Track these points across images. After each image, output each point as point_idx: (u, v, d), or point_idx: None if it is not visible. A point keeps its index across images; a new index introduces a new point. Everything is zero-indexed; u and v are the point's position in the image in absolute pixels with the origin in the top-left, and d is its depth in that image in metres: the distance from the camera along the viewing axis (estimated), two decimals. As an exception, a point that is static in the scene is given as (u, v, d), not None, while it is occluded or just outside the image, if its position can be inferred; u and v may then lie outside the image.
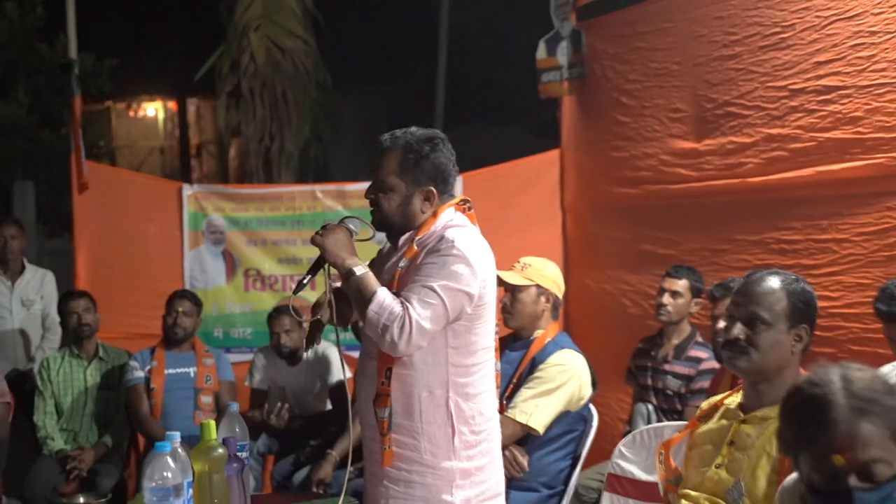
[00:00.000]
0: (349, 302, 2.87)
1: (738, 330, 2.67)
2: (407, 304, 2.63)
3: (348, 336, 6.48)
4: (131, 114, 19.47)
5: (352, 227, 2.86)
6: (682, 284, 4.87)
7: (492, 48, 14.59)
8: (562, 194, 6.57)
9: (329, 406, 5.73)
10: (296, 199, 6.91)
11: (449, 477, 2.78)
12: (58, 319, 5.99)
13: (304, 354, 5.71)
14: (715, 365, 4.66)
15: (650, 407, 4.81)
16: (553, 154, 6.66)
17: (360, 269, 2.72)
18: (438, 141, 2.84)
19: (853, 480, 1.85)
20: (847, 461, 1.85)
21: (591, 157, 6.24)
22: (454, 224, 2.83)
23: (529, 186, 6.68)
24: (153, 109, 19.68)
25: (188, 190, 6.85)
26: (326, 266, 2.80)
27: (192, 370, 5.49)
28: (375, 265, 2.93)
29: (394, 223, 2.85)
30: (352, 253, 2.77)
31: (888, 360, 3.85)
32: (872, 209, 4.28)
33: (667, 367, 4.84)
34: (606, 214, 6.13)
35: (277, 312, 5.71)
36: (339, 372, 5.80)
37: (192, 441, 5.37)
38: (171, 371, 5.45)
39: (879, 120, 4.20)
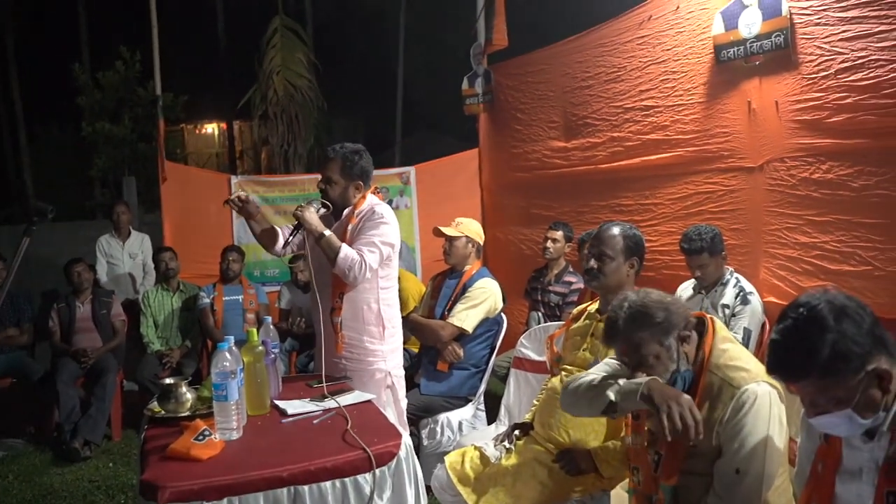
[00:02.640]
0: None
1: (593, 262, 2.69)
2: (361, 253, 2.79)
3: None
4: (197, 132, 19.07)
5: (317, 204, 2.92)
6: (559, 234, 4.85)
7: (432, 82, 14.49)
8: (480, 177, 6.47)
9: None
10: (305, 183, 6.76)
11: (382, 355, 2.97)
12: (153, 266, 5.90)
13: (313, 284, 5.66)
14: (581, 286, 4.67)
15: (540, 314, 4.79)
16: (474, 151, 6.55)
17: (328, 232, 2.82)
18: (363, 152, 2.96)
19: (638, 373, 1.90)
20: (628, 358, 1.91)
21: (499, 153, 6.18)
22: (377, 202, 2.99)
23: (459, 173, 6.58)
24: (211, 128, 19.26)
25: (234, 179, 6.70)
26: (303, 230, 2.88)
27: (240, 297, 5.43)
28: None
29: (336, 203, 2.94)
30: (319, 222, 2.84)
31: (686, 279, 3.91)
32: (676, 183, 4.26)
33: (550, 287, 4.82)
34: (509, 190, 6.07)
35: (295, 259, 5.65)
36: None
37: (242, 343, 5.34)
38: (227, 298, 5.39)
39: (679, 127, 4.18)
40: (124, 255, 6.03)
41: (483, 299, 3.77)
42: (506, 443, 2.68)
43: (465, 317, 3.71)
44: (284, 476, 2.00)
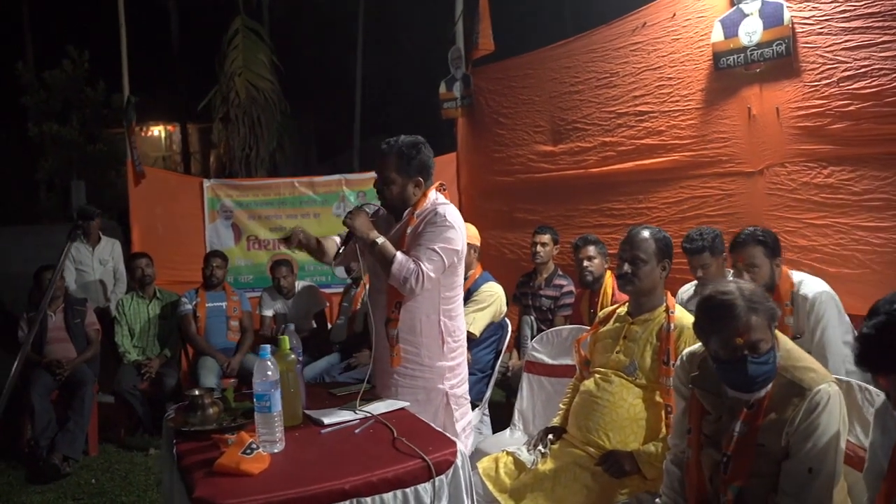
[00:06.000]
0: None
1: (627, 267, 2.68)
2: (418, 261, 2.52)
3: (327, 278, 6.38)
4: (143, 134, 18.51)
5: (368, 210, 2.72)
6: (546, 238, 4.82)
7: (388, 87, 14.48)
8: (458, 181, 6.47)
9: (314, 325, 5.60)
10: (280, 187, 6.66)
11: (441, 372, 2.69)
12: (125, 273, 5.70)
13: (296, 290, 5.55)
14: (572, 289, 4.68)
15: (532, 318, 4.77)
16: (451, 155, 6.52)
17: (381, 240, 2.57)
18: (421, 145, 2.65)
19: (746, 353, 1.89)
20: (744, 341, 1.88)
21: (478, 156, 6.17)
22: (441, 202, 2.67)
23: (436, 177, 6.46)
24: (157, 131, 18.74)
25: (207, 183, 6.56)
26: (354, 239, 2.64)
27: (224, 304, 5.26)
28: (375, 223, 2.71)
29: (395, 204, 2.68)
30: (371, 228, 2.60)
31: (686, 282, 3.96)
32: (671, 187, 4.34)
33: (541, 291, 4.79)
34: (489, 194, 6.06)
35: (277, 265, 5.55)
36: (320, 303, 5.69)
37: (226, 351, 5.15)
38: (210, 304, 5.22)
39: (675, 132, 4.25)
40: (94, 262, 5.78)
41: (490, 303, 3.75)
42: (540, 447, 2.66)
43: (473, 320, 3.68)
44: (347, 488, 1.94)
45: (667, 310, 2.63)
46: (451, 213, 2.62)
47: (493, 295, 3.78)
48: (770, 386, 1.90)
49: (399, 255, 2.54)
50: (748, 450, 1.89)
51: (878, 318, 1.56)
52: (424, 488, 2.05)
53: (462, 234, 2.64)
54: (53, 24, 12.70)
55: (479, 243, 4.02)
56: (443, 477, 2.08)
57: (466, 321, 3.63)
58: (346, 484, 1.95)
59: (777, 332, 1.98)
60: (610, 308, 2.91)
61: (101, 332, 5.10)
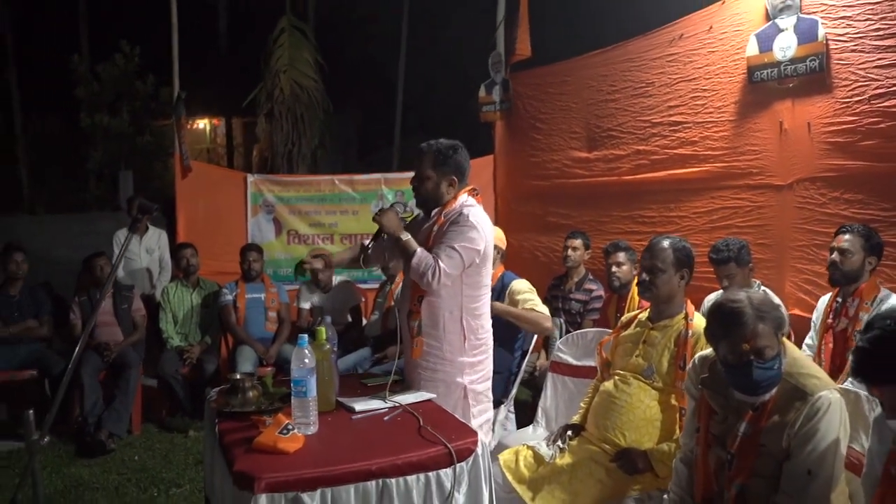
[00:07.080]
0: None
1: (645, 275, 2.80)
2: (437, 257, 2.67)
3: (363, 273, 6.56)
4: (189, 127, 18.96)
5: (398, 209, 2.88)
6: (578, 242, 4.96)
7: (429, 87, 14.62)
8: (494, 184, 6.59)
9: (349, 319, 5.78)
10: (321, 184, 6.89)
11: (461, 367, 2.81)
12: (170, 262, 5.95)
13: (333, 284, 5.75)
14: (602, 293, 4.80)
15: (561, 321, 4.89)
16: (488, 158, 6.66)
17: (405, 236, 2.74)
18: (458, 147, 2.83)
19: (752, 358, 2.00)
20: (750, 347, 2.00)
21: (515, 160, 6.29)
22: (469, 205, 2.82)
23: (472, 179, 6.45)
24: (203, 124, 19.13)
25: (251, 178, 6.82)
26: (384, 235, 2.83)
27: (262, 295, 5.49)
28: (411, 227, 2.90)
29: (429, 200, 2.84)
30: (399, 226, 2.77)
31: (713, 290, 4.04)
32: (702, 197, 4.42)
33: (571, 295, 4.93)
34: (525, 197, 6.18)
35: (314, 258, 5.71)
36: (356, 298, 5.88)
37: (263, 341, 5.34)
38: (249, 296, 5.45)
39: (708, 143, 4.34)
40: (141, 250, 6.06)
41: (533, 289, 3.81)
42: (559, 442, 2.80)
43: (535, 303, 3.71)
44: (373, 469, 2.10)
45: (686, 317, 2.74)
46: (476, 214, 2.77)
47: (529, 284, 3.86)
48: (774, 390, 2.02)
49: (420, 250, 2.71)
50: (751, 449, 2.01)
51: (872, 332, 1.66)
52: (446, 473, 2.20)
53: (485, 235, 2.77)
54: (107, 18, 13.16)
55: (504, 246, 4.10)
56: (463, 464, 2.23)
57: (542, 310, 3.71)
58: (373, 465, 2.11)
59: (784, 339, 2.09)
60: (632, 313, 3.03)
61: (146, 318, 5.38)
